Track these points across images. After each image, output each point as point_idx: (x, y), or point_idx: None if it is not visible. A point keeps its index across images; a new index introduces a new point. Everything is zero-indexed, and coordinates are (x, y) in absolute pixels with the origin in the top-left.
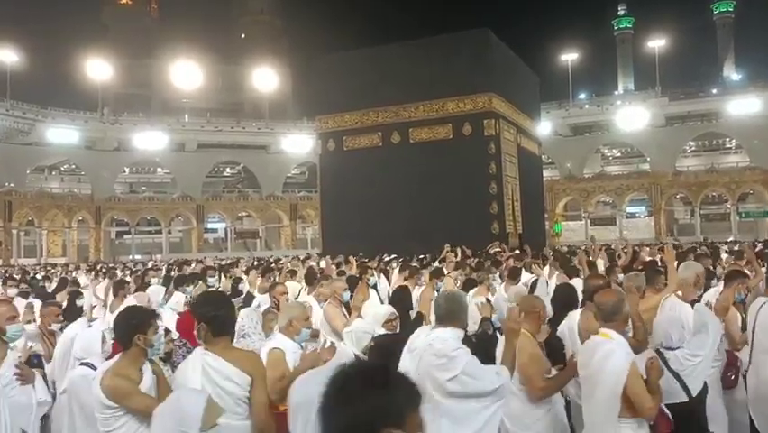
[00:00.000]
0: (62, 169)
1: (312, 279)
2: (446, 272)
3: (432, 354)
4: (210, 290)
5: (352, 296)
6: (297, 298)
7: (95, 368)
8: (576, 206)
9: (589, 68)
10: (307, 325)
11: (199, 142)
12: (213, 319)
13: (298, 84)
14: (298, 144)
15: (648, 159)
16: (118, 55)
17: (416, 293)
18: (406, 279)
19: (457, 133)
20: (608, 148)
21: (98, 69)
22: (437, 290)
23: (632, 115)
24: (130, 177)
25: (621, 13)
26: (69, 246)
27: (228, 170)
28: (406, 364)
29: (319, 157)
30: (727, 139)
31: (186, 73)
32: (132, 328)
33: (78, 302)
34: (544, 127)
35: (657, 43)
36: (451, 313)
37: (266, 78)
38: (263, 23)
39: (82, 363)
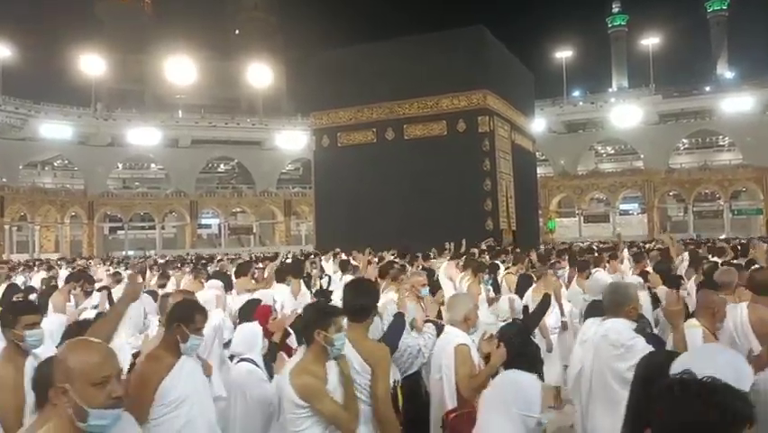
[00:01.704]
0: (55, 164)
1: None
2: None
3: (609, 344)
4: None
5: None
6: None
7: (256, 364)
8: (570, 203)
9: (584, 65)
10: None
11: (193, 138)
12: (352, 307)
13: (293, 80)
14: (293, 140)
15: (642, 156)
16: (112, 50)
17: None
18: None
19: (451, 129)
20: (601, 145)
21: (92, 64)
22: (485, 284)
23: (626, 113)
24: (123, 172)
25: (615, 10)
26: (62, 242)
27: (222, 165)
28: (579, 355)
29: (313, 153)
30: (720, 137)
31: (180, 69)
32: (312, 323)
33: None
34: (539, 124)
35: (651, 41)
36: (616, 304)
37: (260, 75)
38: (258, 20)
39: (243, 360)
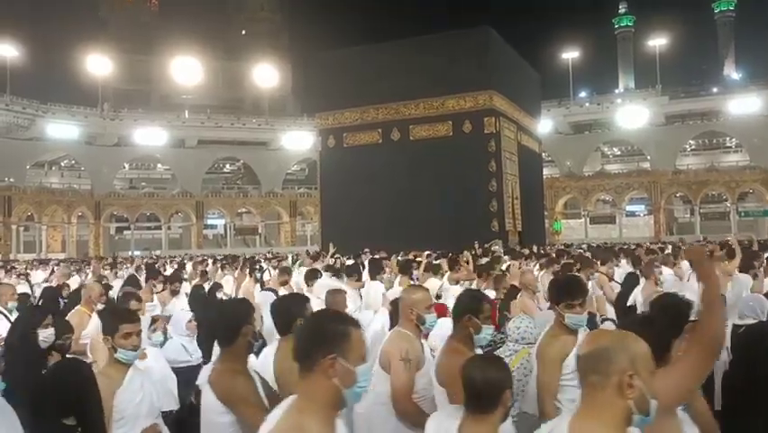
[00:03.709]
0: (62, 164)
1: (483, 271)
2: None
3: None
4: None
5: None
6: (437, 295)
7: None
8: (576, 204)
9: (590, 66)
10: None
11: (199, 139)
12: None
13: (298, 80)
14: (298, 141)
15: (648, 157)
16: (118, 50)
17: None
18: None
19: (457, 130)
20: (608, 146)
21: (98, 64)
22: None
23: (632, 114)
24: (130, 173)
25: (622, 11)
26: (69, 242)
27: (228, 166)
28: None
29: (319, 154)
30: (727, 138)
31: (186, 69)
32: (676, 329)
33: (218, 295)
34: (545, 125)
35: (658, 42)
36: None
37: (266, 75)
38: (263, 20)
39: None
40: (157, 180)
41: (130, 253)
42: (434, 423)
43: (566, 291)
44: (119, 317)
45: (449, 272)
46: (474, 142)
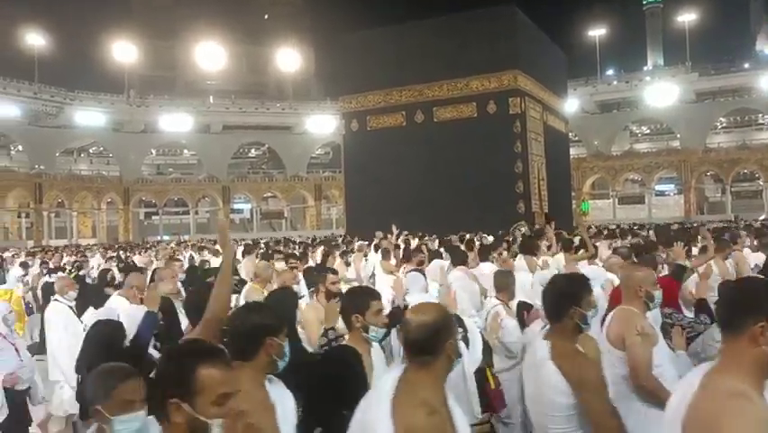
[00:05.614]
0: (90, 151)
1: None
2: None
3: None
4: None
5: None
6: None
7: None
8: (604, 184)
9: (618, 43)
10: None
11: (224, 124)
12: None
13: (321, 64)
14: (322, 124)
15: (678, 136)
16: (143, 37)
17: None
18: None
19: (482, 111)
20: (636, 125)
21: (123, 51)
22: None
23: (661, 92)
24: (157, 158)
25: None
26: (99, 227)
27: (253, 151)
28: None
29: (343, 137)
30: (760, 115)
31: (209, 55)
32: None
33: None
34: (571, 104)
35: (687, 17)
36: None
37: (289, 59)
38: (285, 3)
39: None
40: (183, 166)
41: (159, 237)
42: None
43: None
44: (369, 293)
45: (564, 253)
46: (499, 123)
